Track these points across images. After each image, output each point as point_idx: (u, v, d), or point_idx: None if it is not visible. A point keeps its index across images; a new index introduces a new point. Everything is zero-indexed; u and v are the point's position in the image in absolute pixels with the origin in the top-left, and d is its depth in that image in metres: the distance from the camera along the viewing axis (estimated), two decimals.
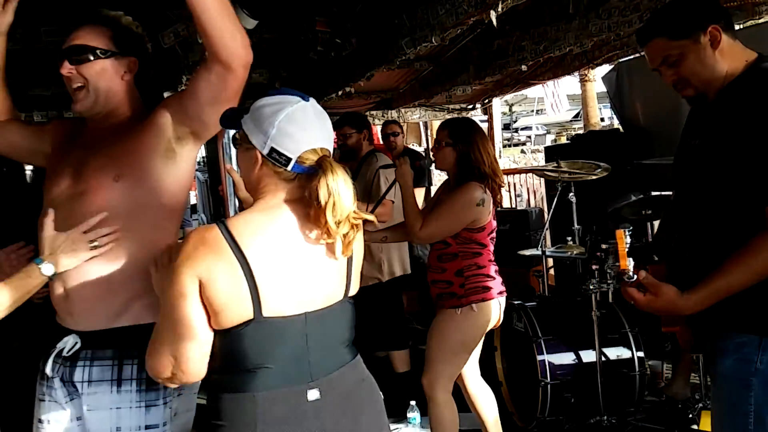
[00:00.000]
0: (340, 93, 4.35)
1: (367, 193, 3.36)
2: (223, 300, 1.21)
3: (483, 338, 2.72)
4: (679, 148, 1.76)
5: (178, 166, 1.60)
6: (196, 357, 1.23)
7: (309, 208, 1.27)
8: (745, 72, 1.57)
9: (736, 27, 3.75)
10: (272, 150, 1.24)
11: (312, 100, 1.30)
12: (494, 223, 2.67)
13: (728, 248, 1.46)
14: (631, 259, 1.54)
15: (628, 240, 1.57)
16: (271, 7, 2.75)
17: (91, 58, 1.59)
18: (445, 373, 2.64)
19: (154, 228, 1.58)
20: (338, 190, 1.23)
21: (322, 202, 1.23)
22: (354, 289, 1.42)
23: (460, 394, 2.88)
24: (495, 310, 2.63)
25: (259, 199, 1.31)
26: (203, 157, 10.40)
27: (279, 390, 1.24)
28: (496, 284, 2.64)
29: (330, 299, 1.34)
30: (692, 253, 1.63)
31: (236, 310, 1.22)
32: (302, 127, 1.25)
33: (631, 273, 1.52)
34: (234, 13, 1.46)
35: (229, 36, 1.45)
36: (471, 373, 2.84)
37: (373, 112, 6.36)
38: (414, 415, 3.37)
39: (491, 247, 2.68)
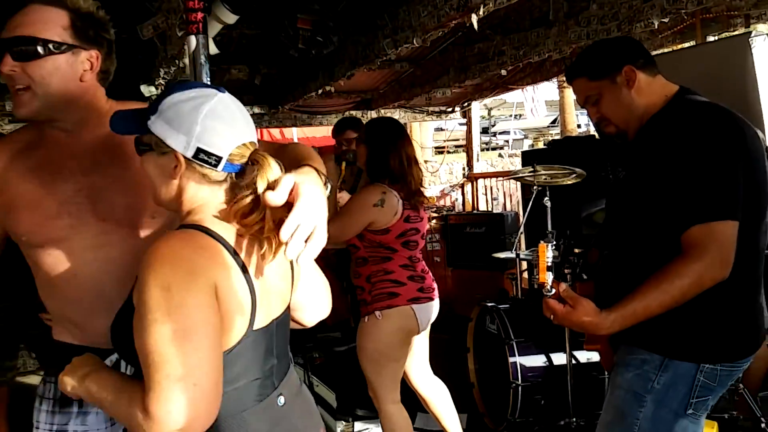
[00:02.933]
0: (320, 91, 4.35)
1: None
2: (231, 317, 1.07)
3: (409, 343, 2.64)
4: (612, 178, 1.86)
5: None
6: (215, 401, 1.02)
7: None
8: (664, 107, 1.65)
9: (711, 38, 3.85)
10: (199, 150, 1.09)
11: (228, 93, 1.16)
12: (408, 226, 2.58)
13: (648, 272, 1.51)
14: (550, 273, 1.58)
15: (550, 254, 1.62)
16: (252, 2, 2.74)
17: (41, 52, 1.27)
18: (380, 385, 2.57)
19: None
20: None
21: (260, 192, 1.09)
22: (295, 292, 1.32)
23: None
24: (407, 316, 2.55)
25: (189, 212, 1.14)
26: None
27: (259, 404, 1.16)
28: (408, 290, 2.56)
29: (285, 303, 1.26)
30: (616, 275, 1.70)
31: (238, 329, 1.09)
32: (227, 121, 1.12)
33: (549, 286, 1.55)
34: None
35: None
36: (417, 375, 2.81)
37: (353, 112, 6.36)
38: None
39: (405, 252, 2.60)
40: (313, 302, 1.38)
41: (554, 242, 1.61)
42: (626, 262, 1.68)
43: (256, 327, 1.13)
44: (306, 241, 1.05)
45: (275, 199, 1.06)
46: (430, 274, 2.71)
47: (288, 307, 1.27)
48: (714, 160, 1.49)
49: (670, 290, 1.46)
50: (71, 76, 1.31)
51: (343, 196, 3.30)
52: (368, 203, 2.50)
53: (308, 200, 1.06)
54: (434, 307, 2.67)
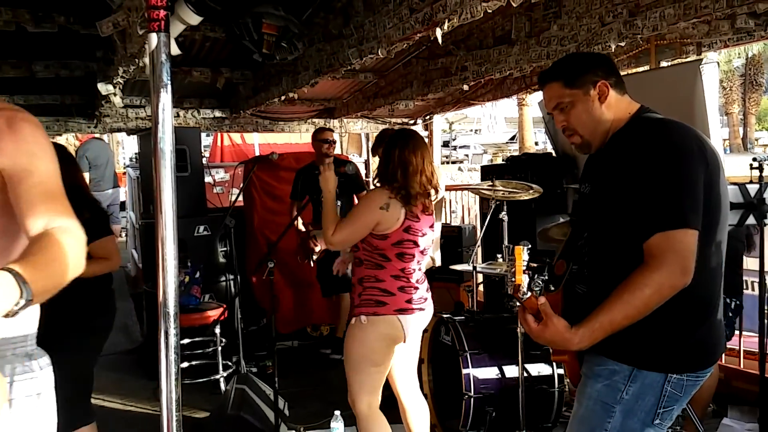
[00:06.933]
0: (283, 98, 4.33)
1: None
2: None
3: (393, 351, 2.63)
4: (577, 192, 1.90)
5: None
6: None
7: None
8: (627, 124, 1.72)
9: (665, 64, 3.98)
10: None
11: None
12: (405, 237, 2.56)
13: (616, 283, 1.54)
14: (526, 275, 1.60)
15: (527, 257, 1.64)
16: (216, 3, 2.71)
17: None
18: (359, 387, 2.60)
19: None
20: None
21: None
22: None
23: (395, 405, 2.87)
24: (393, 326, 2.56)
25: None
26: (135, 153, 10.00)
27: None
28: (396, 301, 2.56)
29: None
30: (584, 287, 1.73)
31: None
32: None
33: (525, 289, 1.58)
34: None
35: None
36: (402, 385, 2.82)
37: (315, 120, 6.34)
38: (337, 425, 3.35)
39: (398, 264, 2.58)
40: None
41: (530, 246, 1.66)
42: (595, 274, 1.70)
43: None
44: None
45: None
46: (426, 284, 2.72)
47: None
48: (674, 170, 1.54)
49: (632, 301, 1.49)
50: None
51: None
52: (375, 205, 2.54)
53: None
54: (425, 317, 2.70)
